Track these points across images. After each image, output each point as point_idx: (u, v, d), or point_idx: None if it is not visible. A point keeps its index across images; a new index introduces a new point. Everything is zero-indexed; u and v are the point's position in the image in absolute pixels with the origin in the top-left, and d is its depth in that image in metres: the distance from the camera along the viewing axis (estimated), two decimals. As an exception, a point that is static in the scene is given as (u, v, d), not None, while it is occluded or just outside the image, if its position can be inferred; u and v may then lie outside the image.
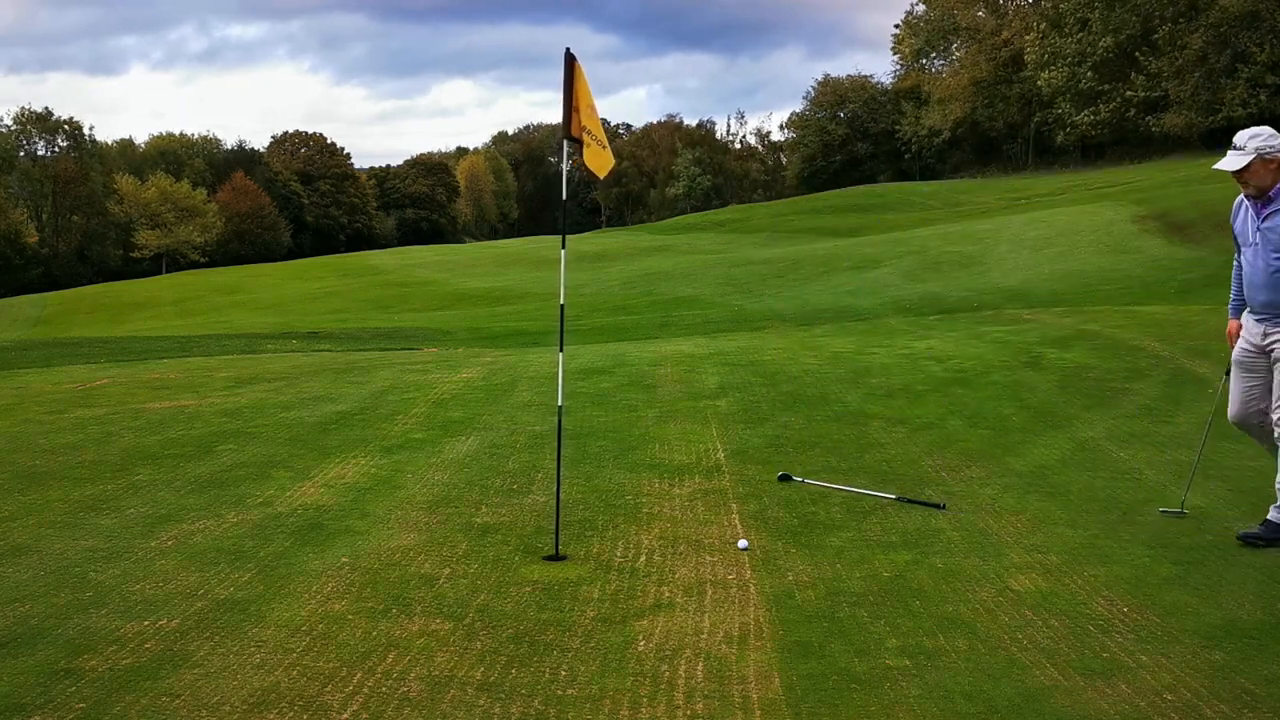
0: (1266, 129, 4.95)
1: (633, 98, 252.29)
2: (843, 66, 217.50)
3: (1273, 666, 3.74)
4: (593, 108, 5.31)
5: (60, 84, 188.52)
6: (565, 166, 5.65)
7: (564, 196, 6.18)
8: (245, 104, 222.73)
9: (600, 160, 5.33)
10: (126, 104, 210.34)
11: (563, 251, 5.94)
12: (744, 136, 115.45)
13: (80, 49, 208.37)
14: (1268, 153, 4.85)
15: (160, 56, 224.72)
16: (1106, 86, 59.53)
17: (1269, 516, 5.11)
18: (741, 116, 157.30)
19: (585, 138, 5.28)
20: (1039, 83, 63.12)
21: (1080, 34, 59.76)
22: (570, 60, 5.23)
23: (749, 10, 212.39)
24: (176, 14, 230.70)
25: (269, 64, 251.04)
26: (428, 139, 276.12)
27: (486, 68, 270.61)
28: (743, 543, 5.22)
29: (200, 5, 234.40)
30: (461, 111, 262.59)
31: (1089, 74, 60.01)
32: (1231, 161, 4.93)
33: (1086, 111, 61.06)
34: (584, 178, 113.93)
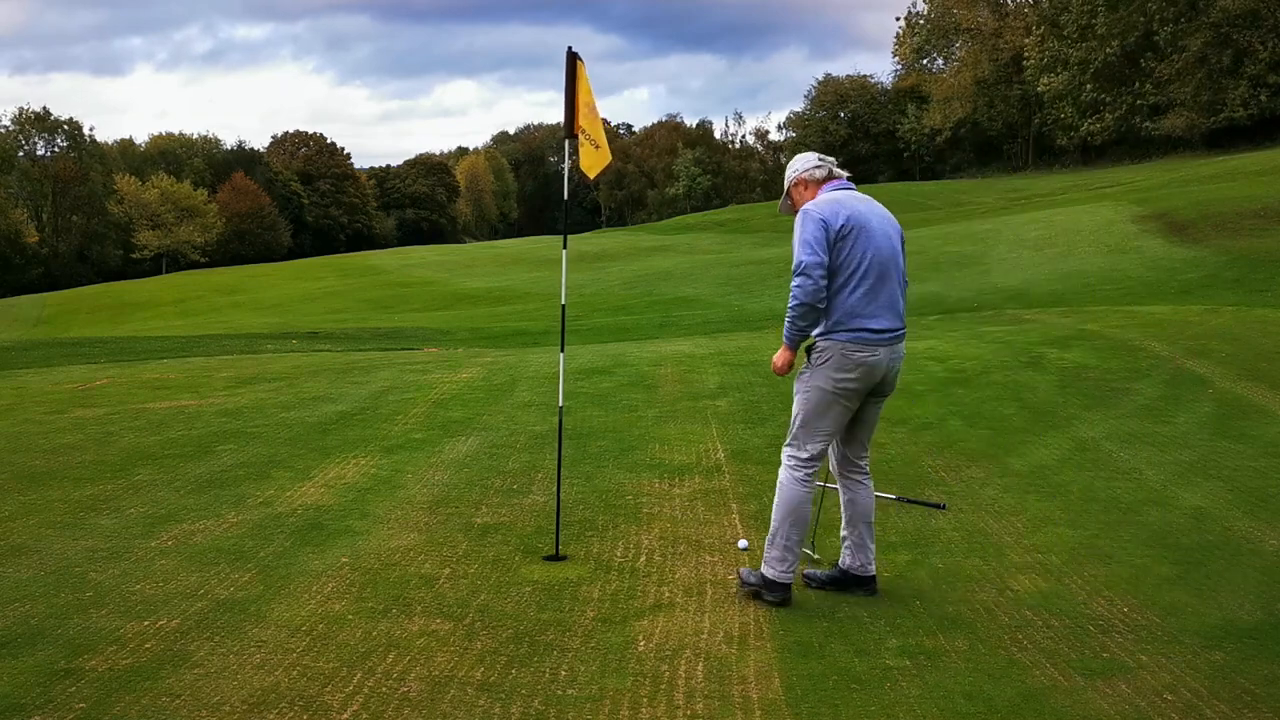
0: (796, 156, 4.73)
1: (635, 98, 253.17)
2: (845, 67, 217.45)
3: (1273, 666, 3.74)
4: (591, 107, 5.30)
5: (65, 85, 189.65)
6: (567, 166, 5.65)
7: (565, 196, 6.18)
8: (249, 104, 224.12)
9: (591, 159, 5.32)
10: (131, 105, 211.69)
11: (564, 251, 5.95)
12: (742, 136, 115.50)
13: (86, 49, 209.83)
14: (792, 178, 4.65)
15: (165, 57, 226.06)
16: (1108, 98, 59.43)
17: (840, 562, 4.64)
18: (739, 117, 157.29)
19: (581, 137, 5.29)
20: (1039, 87, 63.05)
21: (1082, 42, 59.62)
22: (572, 59, 5.23)
23: (752, 11, 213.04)
24: (183, 15, 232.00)
25: (273, 64, 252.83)
26: (431, 139, 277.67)
27: (490, 68, 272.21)
28: (743, 543, 5.22)
29: (206, 6, 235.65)
30: (464, 112, 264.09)
31: (1089, 86, 59.89)
32: (781, 204, 4.77)
33: (1090, 121, 60.99)
34: (584, 177, 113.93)
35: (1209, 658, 3.83)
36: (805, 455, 4.46)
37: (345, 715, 3.46)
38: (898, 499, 5.93)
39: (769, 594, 4.43)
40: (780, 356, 4.46)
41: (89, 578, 4.78)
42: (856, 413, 4.51)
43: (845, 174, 4.63)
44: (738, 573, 4.67)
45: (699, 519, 5.70)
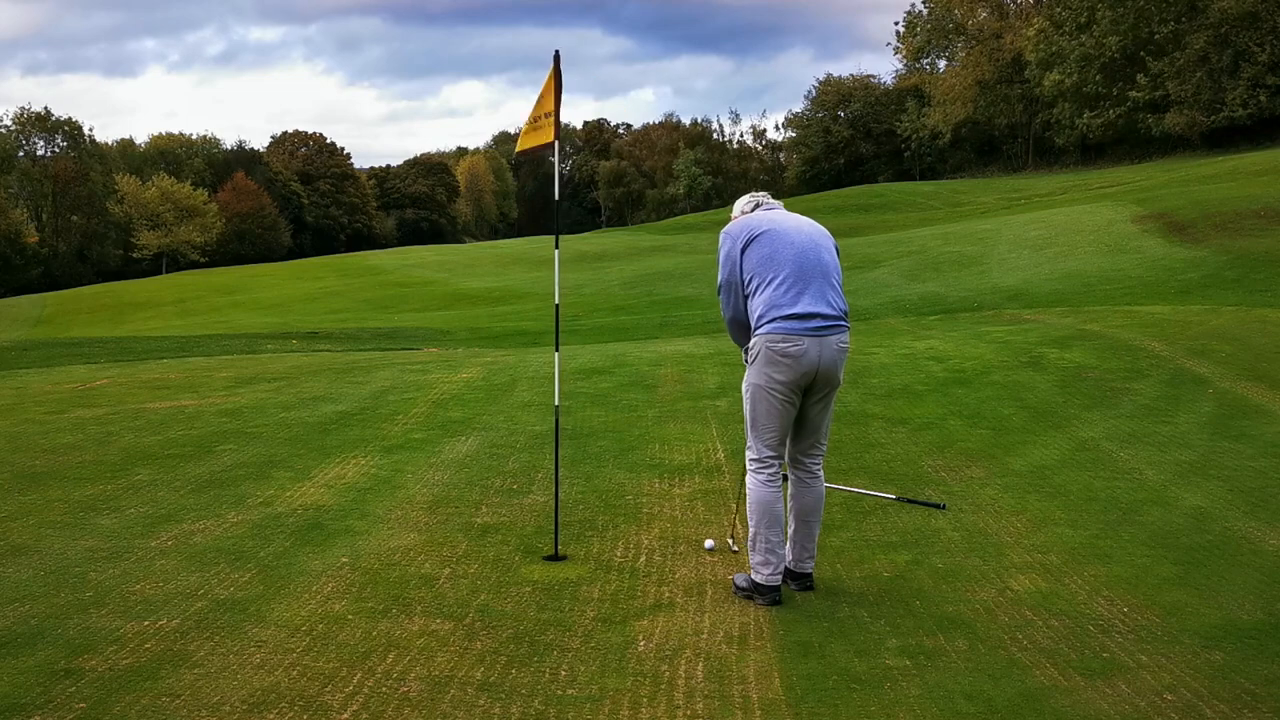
0: (739, 199, 4.98)
1: (641, 99, 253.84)
2: (850, 68, 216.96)
3: (1273, 666, 3.74)
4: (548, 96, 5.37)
5: (76, 85, 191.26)
6: (557, 167, 5.67)
7: (556, 196, 6.17)
8: (257, 105, 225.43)
9: (526, 140, 5.43)
10: (140, 105, 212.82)
11: (556, 251, 5.94)
12: (739, 136, 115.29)
13: (98, 51, 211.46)
14: (732, 216, 4.89)
15: (177, 59, 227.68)
16: (1114, 90, 59.42)
17: (793, 567, 4.64)
18: (735, 116, 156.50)
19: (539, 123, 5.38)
20: (1045, 83, 62.92)
21: (1084, 36, 59.59)
22: (557, 59, 5.28)
23: (759, 14, 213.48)
24: (198, 17, 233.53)
25: (284, 66, 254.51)
26: (436, 139, 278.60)
27: (499, 70, 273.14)
28: (709, 543, 5.21)
29: (222, 9, 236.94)
30: (470, 112, 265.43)
31: (1097, 77, 59.86)
32: None
33: (1090, 115, 60.93)
34: (583, 178, 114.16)
35: (1209, 658, 3.83)
36: (756, 456, 4.53)
37: (345, 715, 3.46)
38: (898, 499, 5.93)
39: (759, 598, 4.47)
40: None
41: (89, 578, 4.78)
42: (799, 412, 4.55)
43: (775, 202, 4.86)
44: (732, 580, 4.69)
45: (699, 519, 5.70)
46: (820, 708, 3.50)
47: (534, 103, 5.38)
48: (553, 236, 5.67)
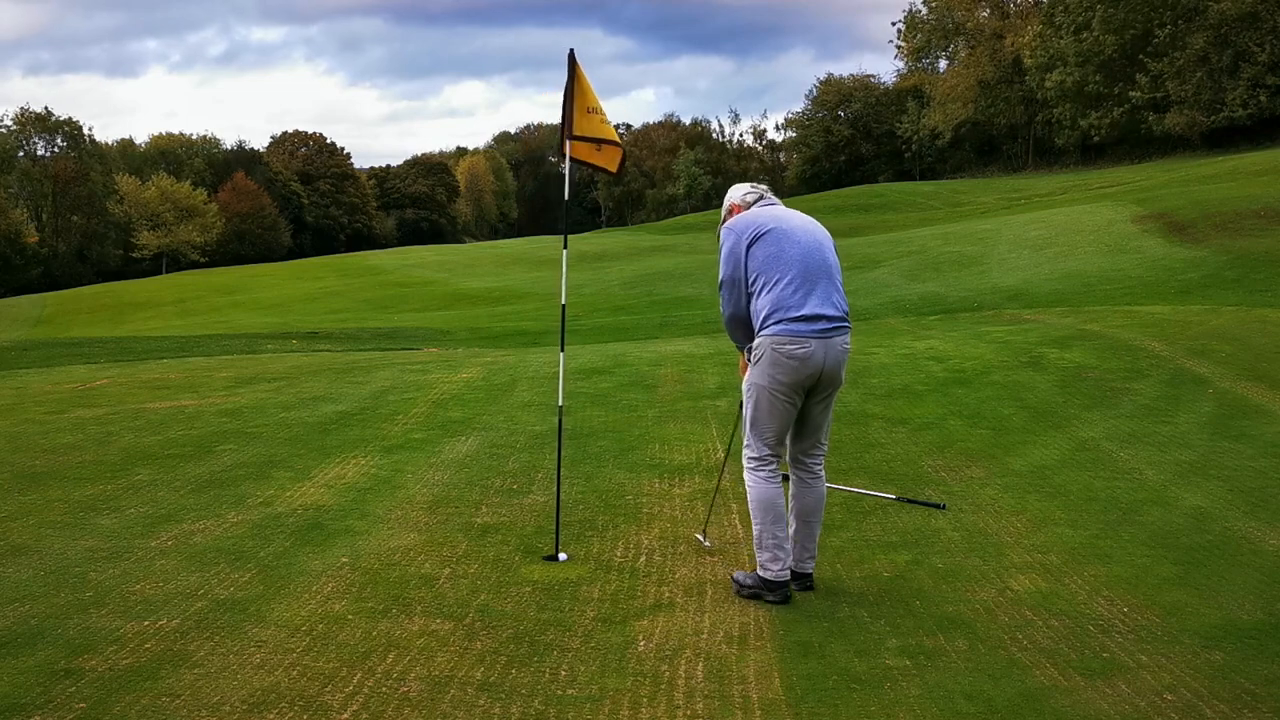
0: (733, 187, 4.87)
1: (641, 99, 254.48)
2: (850, 68, 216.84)
3: (1273, 666, 3.74)
4: (593, 109, 5.34)
5: (78, 86, 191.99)
6: (567, 167, 5.64)
7: (566, 196, 6.17)
8: (258, 105, 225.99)
9: (604, 158, 5.39)
10: (141, 105, 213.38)
11: (564, 251, 5.94)
12: (738, 136, 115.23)
13: (100, 51, 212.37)
14: (728, 205, 4.81)
15: (179, 59, 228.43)
16: (1115, 90, 59.39)
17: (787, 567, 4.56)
18: (735, 117, 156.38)
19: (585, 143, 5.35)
20: (1047, 84, 62.89)
21: (1083, 34, 59.57)
22: (572, 60, 5.26)
23: (759, 14, 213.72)
24: (200, 18, 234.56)
25: (286, 66, 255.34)
26: (437, 139, 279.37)
27: (501, 70, 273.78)
28: (562, 555, 5.08)
29: (224, 9, 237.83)
30: (471, 112, 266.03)
31: (1096, 76, 59.84)
32: (720, 229, 4.86)
33: (1096, 116, 60.90)
34: (584, 177, 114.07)
35: (1209, 658, 3.83)
36: (756, 454, 4.53)
37: (345, 715, 3.46)
38: (898, 499, 5.93)
39: (769, 594, 4.46)
40: (740, 363, 4.69)
41: (89, 578, 4.78)
42: (801, 412, 4.54)
43: (775, 198, 4.79)
44: (732, 578, 4.68)
45: (699, 519, 5.70)
46: (820, 708, 3.50)
47: (570, 99, 5.33)
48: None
